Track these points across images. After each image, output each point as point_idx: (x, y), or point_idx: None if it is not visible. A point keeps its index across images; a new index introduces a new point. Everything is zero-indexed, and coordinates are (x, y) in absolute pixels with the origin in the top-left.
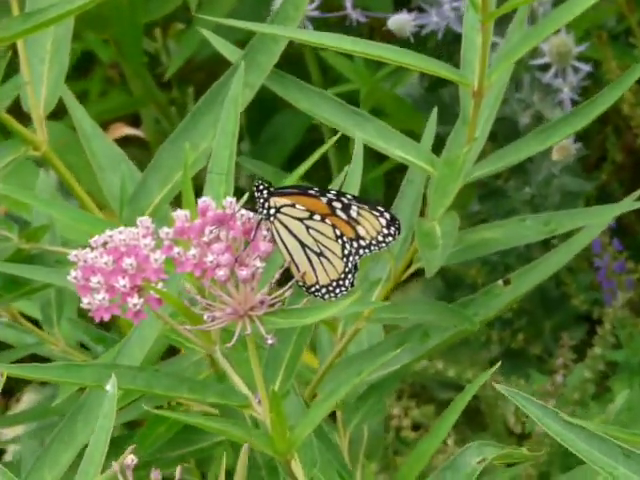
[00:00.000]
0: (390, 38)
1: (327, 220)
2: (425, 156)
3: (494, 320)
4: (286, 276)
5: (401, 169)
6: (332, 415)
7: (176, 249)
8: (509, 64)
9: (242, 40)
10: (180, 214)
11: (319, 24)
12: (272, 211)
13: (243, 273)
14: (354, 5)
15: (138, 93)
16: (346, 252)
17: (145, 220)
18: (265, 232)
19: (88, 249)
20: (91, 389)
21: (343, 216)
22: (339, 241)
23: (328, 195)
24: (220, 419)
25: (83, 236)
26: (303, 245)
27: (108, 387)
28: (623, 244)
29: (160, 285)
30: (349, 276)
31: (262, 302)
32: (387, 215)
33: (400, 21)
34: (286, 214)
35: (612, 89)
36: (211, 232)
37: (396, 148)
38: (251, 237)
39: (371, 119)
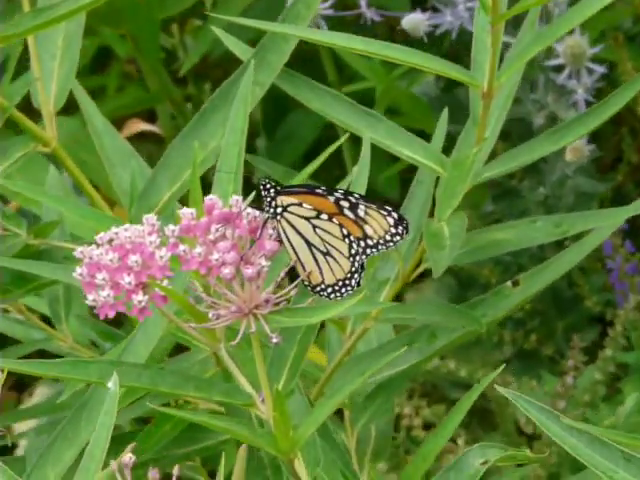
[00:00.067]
0: (407, 37)
1: (334, 219)
2: (435, 157)
3: (507, 320)
4: (292, 275)
5: (417, 168)
6: (340, 414)
7: (182, 247)
8: (519, 65)
9: (257, 38)
10: (186, 212)
11: (334, 23)
12: (279, 210)
13: (248, 271)
14: (369, 4)
15: (154, 89)
16: (353, 251)
17: (151, 217)
18: (271, 231)
19: (94, 246)
20: (96, 386)
21: (350, 215)
22: (346, 240)
23: (335, 194)
24: (225, 418)
25: (92, 233)
26: (309, 244)
27: (110, 384)
28: (635, 246)
29: (165, 282)
30: (355, 276)
31: (267, 301)
32: (395, 214)
33: (414, 21)
34: (293, 213)
35: (625, 89)
36: (217, 230)
37: (406, 148)
38: (257, 236)
39: (383, 119)
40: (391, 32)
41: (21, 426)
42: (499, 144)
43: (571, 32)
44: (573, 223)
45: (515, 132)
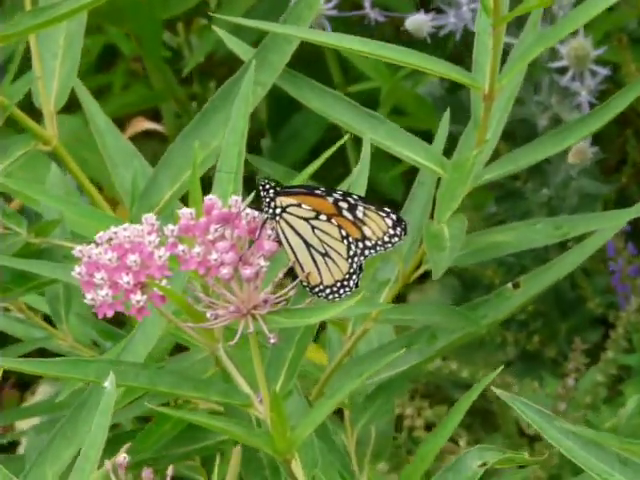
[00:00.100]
0: (412, 38)
1: (333, 220)
2: (436, 158)
3: (510, 322)
4: (291, 276)
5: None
6: (340, 415)
7: (180, 247)
8: (521, 67)
9: (261, 38)
10: (185, 212)
11: (338, 23)
12: (278, 210)
13: (247, 272)
14: (373, 4)
15: (159, 87)
16: (351, 253)
17: (150, 217)
18: (270, 231)
19: (93, 245)
20: (94, 385)
21: (349, 216)
22: (344, 242)
23: (334, 195)
24: (222, 418)
25: (92, 232)
26: (308, 245)
27: (106, 384)
28: (638, 248)
29: (164, 282)
30: (353, 277)
31: (265, 301)
32: (393, 216)
33: (417, 22)
34: (292, 214)
35: (629, 91)
36: (216, 230)
37: (407, 149)
38: (256, 236)
39: (384, 120)
40: (396, 33)
41: (23, 424)
42: (502, 145)
43: (575, 34)
44: (574, 225)
45: (519, 134)
